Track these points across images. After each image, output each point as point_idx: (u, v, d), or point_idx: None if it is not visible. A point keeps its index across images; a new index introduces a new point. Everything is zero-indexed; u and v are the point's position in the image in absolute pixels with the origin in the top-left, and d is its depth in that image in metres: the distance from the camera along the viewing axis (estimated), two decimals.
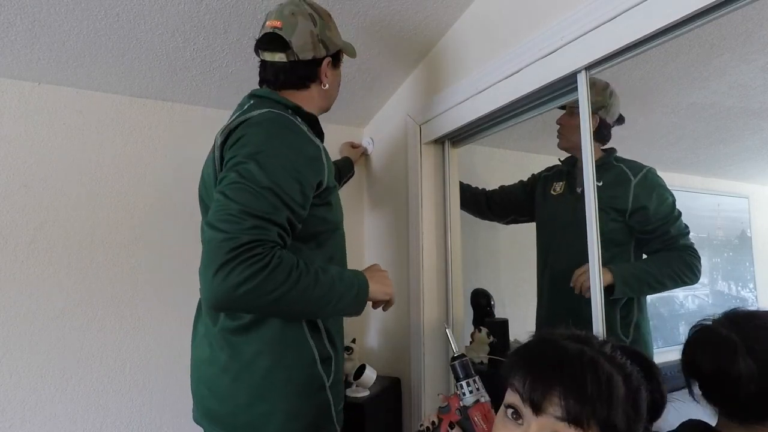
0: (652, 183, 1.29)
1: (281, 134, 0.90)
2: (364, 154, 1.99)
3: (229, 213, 0.79)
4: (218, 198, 0.83)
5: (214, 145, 0.96)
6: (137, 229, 1.60)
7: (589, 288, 1.20)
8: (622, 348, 0.65)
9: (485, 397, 0.85)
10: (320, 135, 1.07)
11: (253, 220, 0.79)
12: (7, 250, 1.43)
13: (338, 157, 1.85)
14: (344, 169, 1.78)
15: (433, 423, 0.87)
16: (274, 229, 0.82)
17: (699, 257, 1.24)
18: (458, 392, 0.87)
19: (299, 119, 0.98)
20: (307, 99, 1.05)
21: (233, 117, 0.95)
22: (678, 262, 1.25)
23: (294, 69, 1.02)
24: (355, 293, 0.93)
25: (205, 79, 1.56)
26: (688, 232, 1.27)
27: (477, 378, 0.86)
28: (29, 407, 1.42)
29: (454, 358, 0.89)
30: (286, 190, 0.84)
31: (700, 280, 1.48)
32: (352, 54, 1.15)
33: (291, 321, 0.93)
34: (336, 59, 1.10)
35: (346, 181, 1.80)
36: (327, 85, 1.07)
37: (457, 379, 0.88)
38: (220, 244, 0.77)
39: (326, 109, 1.13)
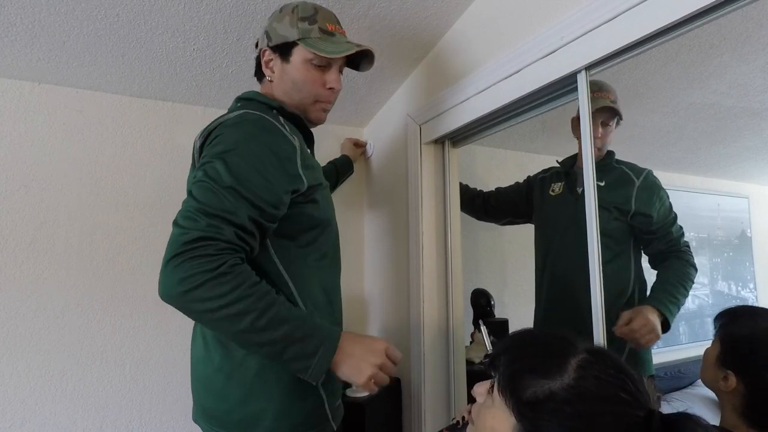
0: (653, 185, 1.32)
1: (255, 133, 0.89)
2: (364, 155, 1.99)
3: (188, 210, 0.82)
4: (186, 197, 0.86)
5: (193, 148, 0.98)
6: (137, 229, 1.60)
7: (649, 341, 1.18)
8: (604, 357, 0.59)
9: None
10: (307, 134, 1.08)
11: (207, 219, 0.80)
12: (7, 250, 1.43)
13: (339, 154, 1.86)
14: (342, 168, 1.78)
15: (463, 417, 0.88)
16: (229, 228, 0.80)
17: (691, 252, 1.29)
18: None
19: (282, 119, 0.98)
20: (269, 91, 1.06)
21: (213, 120, 0.97)
22: (684, 267, 1.28)
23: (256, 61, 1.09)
24: (310, 350, 0.81)
25: (205, 79, 1.56)
26: (684, 232, 1.31)
27: None
28: (29, 407, 1.42)
29: (486, 356, 0.91)
30: (253, 189, 0.84)
31: (700, 280, 1.48)
32: (313, 46, 0.99)
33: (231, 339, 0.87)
34: (284, 53, 1.02)
35: (344, 180, 1.80)
36: (271, 79, 1.04)
37: (491, 378, 0.89)
38: (176, 238, 0.79)
39: (298, 105, 1.04)
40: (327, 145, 1.87)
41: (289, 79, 1.02)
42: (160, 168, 1.65)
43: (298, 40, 0.99)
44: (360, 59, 1.09)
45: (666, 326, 1.18)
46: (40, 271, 1.46)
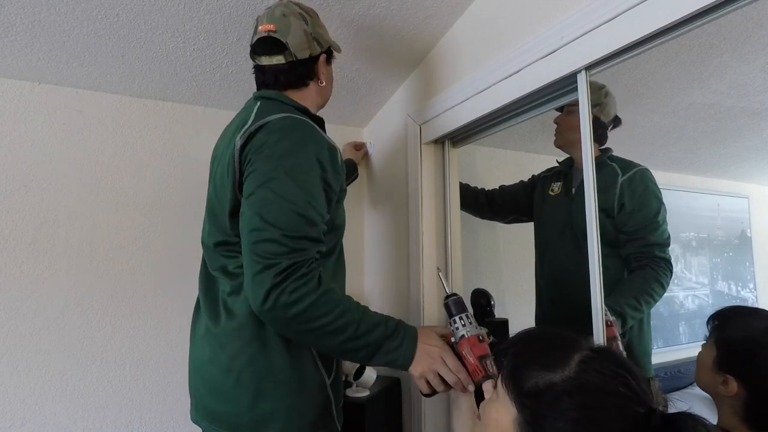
0: (639, 183, 1.24)
1: (305, 142, 0.89)
2: (366, 157, 2.00)
3: (271, 238, 0.81)
4: (253, 218, 0.83)
5: (232, 148, 0.92)
6: (137, 229, 1.60)
7: None
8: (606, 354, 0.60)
9: (475, 330, 0.88)
10: None
11: (293, 243, 0.82)
12: (7, 250, 1.43)
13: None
14: (349, 170, 1.78)
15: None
16: (313, 246, 0.85)
17: (671, 270, 1.18)
18: (452, 328, 0.90)
19: (311, 122, 0.97)
20: (305, 97, 1.06)
21: (250, 121, 0.92)
22: (648, 281, 1.18)
23: (293, 69, 1.02)
24: (396, 343, 0.87)
25: (205, 79, 1.56)
26: (668, 244, 1.20)
27: (468, 314, 0.90)
28: (29, 407, 1.42)
29: (446, 297, 0.93)
30: (319, 201, 0.87)
31: (700, 280, 1.48)
32: (338, 49, 1.15)
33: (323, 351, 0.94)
34: (329, 55, 1.11)
35: (349, 183, 1.81)
36: (324, 82, 1.08)
37: (450, 316, 0.91)
38: (266, 270, 0.80)
39: (322, 106, 1.14)
40: None
41: (330, 80, 1.12)
42: (160, 168, 1.65)
43: (331, 43, 1.11)
44: None
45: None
46: (40, 271, 1.46)
